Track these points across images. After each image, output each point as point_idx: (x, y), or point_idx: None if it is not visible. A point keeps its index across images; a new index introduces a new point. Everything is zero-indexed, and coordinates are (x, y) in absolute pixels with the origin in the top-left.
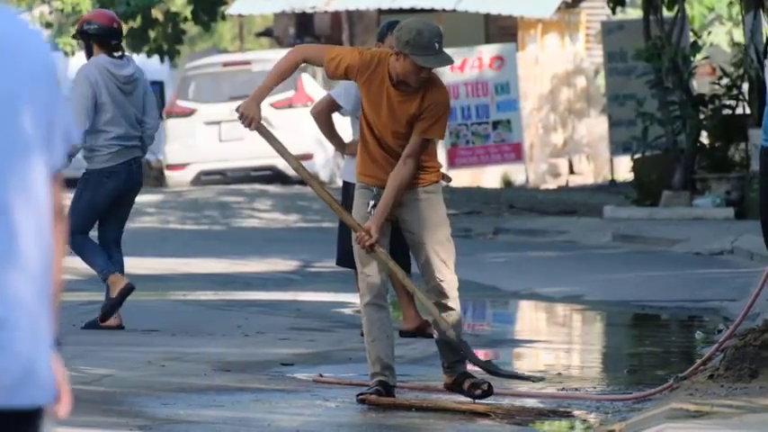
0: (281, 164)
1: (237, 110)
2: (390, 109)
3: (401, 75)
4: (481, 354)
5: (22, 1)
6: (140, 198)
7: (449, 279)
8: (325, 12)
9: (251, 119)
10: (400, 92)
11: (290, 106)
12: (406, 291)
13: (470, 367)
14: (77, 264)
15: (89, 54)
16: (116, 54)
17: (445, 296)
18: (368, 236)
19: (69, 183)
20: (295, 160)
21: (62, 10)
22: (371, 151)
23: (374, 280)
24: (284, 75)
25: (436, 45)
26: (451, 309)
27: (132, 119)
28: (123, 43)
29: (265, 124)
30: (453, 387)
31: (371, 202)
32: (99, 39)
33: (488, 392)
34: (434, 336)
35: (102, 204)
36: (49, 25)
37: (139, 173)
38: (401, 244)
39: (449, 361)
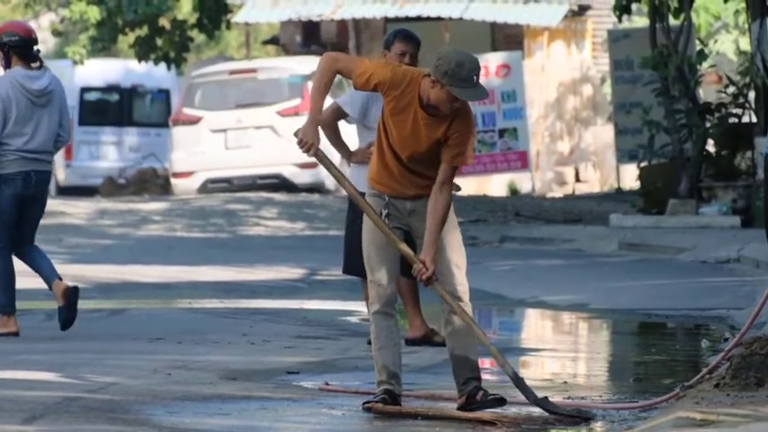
0: (288, 172)
1: (296, 134)
2: (415, 130)
3: (434, 101)
4: (487, 362)
5: (29, 9)
6: (147, 206)
7: (463, 283)
8: (332, 20)
9: (311, 144)
10: (428, 114)
11: (297, 114)
12: (412, 299)
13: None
14: (83, 272)
15: (8, 65)
16: (34, 65)
17: (459, 300)
18: (425, 268)
19: (79, 191)
20: (351, 187)
21: (70, 18)
22: (388, 163)
23: (384, 289)
24: (327, 88)
25: (474, 78)
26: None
27: (44, 132)
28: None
29: (276, 132)
30: (467, 405)
31: (385, 212)
32: (19, 50)
33: (502, 401)
34: (448, 351)
35: (7, 209)
36: (59, 34)
37: (40, 186)
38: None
39: (464, 377)
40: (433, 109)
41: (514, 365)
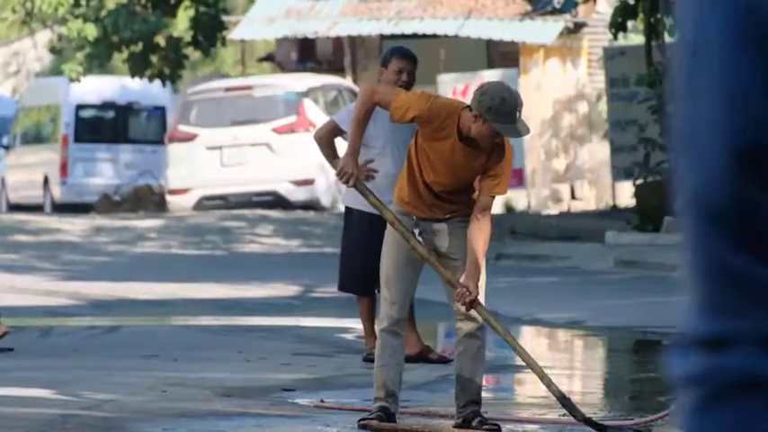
0: (283, 189)
1: (334, 165)
2: (453, 163)
3: (475, 135)
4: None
5: (26, 26)
6: (142, 223)
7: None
8: (328, 37)
9: (350, 174)
10: (467, 146)
11: (293, 131)
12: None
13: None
14: (79, 289)
15: None
16: None
17: (475, 322)
18: (467, 292)
19: (74, 208)
20: (392, 215)
21: (67, 36)
22: (420, 189)
23: (396, 307)
24: (366, 120)
25: (517, 114)
26: (478, 338)
27: None
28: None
29: (271, 149)
30: (462, 426)
31: (417, 230)
32: None
33: (497, 430)
34: (454, 371)
35: None
36: (56, 51)
37: None
38: None
39: (465, 400)
40: (472, 140)
41: (510, 383)
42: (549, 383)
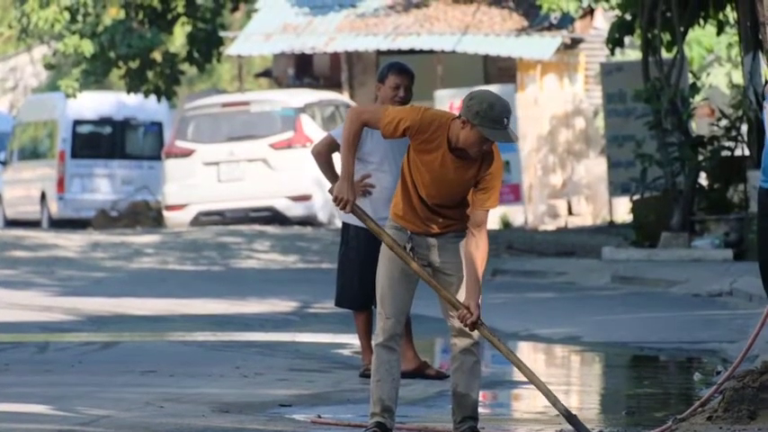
0: (280, 204)
1: (331, 192)
2: (443, 175)
3: (463, 143)
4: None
5: (22, 42)
6: (139, 239)
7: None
8: (325, 53)
9: (346, 200)
10: (457, 157)
11: (290, 147)
12: (405, 331)
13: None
14: (76, 304)
15: None
16: None
17: (470, 338)
18: (469, 313)
19: (71, 223)
20: (389, 239)
21: (63, 52)
22: (413, 202)
23: (391, 322)
24: (355, 142)
25: (505, 120)
26: (474, 353)
27: None
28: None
29: (268, 165)
30: None
31: (409, 245)
32: None
33: None
34: (451, 387)
35: None
36: (51, 67)
37: None
38: None
39: (461, 415)
40: (462, 151)
41: (507, 398)
42: (554, 401)
